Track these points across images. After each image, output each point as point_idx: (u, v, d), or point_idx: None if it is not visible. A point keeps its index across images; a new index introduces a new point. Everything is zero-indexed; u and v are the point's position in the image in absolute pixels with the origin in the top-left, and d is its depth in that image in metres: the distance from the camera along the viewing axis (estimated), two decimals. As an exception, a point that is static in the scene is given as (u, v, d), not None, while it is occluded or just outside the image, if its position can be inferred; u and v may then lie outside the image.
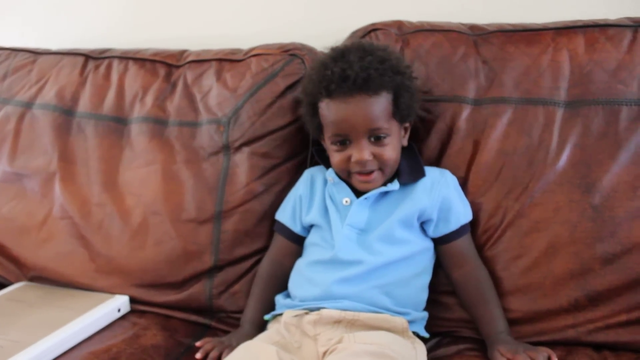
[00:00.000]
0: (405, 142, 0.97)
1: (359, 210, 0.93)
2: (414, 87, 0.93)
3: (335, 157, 0.92)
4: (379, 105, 0.89)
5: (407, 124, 0.96)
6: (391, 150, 0.91)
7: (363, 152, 0.89)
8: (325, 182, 0.99)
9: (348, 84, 0.87)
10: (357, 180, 0.93)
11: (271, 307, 0.97)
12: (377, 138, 0.90)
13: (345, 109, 0.88)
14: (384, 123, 0.89)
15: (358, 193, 0.95)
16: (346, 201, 0.94)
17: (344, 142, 0.91)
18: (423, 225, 0.94)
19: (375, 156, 0.90)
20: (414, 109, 0.95)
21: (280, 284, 0.99)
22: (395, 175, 0.95)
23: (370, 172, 0.91)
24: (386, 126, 0.90)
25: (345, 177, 0.94)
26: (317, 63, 0.94)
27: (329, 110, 0.90)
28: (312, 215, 0.97)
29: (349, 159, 0.90)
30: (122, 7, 1.38)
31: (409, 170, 0.95)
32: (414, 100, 0.93)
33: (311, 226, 0.99)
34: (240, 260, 1.04)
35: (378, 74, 0.88)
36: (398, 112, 0.91)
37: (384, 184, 0.94)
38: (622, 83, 0.93)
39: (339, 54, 0.91)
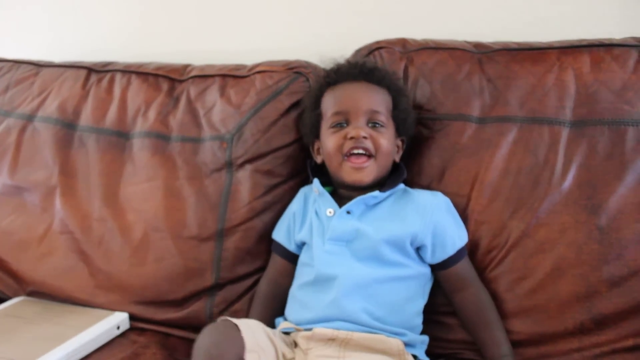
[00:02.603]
0: (397, 158, 0.98)
1: (341, 222, 0.91)
2: (410, 102, 0.99)
3: (331, 140, 0.92)
4: (381, 95, 0.95)
5: (402, 138, 0.98)
6: (386, 141, 0.92)
7: (360, 129, 0.90)
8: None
9: (356, 70, 0.97)
10: (348, 167, 0.91)
11: (271, 327, 0.95)
12: (374, 125, 0.92)
13: (350, 88, 0.95)
14: (383, 112, 0.94)
15: (342, 205, 0.93)
16: (329, 212, 0.92)
17: (342, 124, 0.93)
18: (419, 252, 0.92)
19: (372, 138, 0.91)
20: (411, 120, 0.97)
21: (279, 304, 0.98)
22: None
23: (364, 155, 0.90)
24: (385, 118, 0.94)
25: (337, 166, 0.92)
26: (323, 72, 1.03)
27: (334, 93, 0.96)
28: (303, 233, 0.95)
29: (344, 137, 0.91)
30: (125, 21, 1.38)
31: (393, 179, 0.95)
32: (410, 111, 0.97)
33: (304, 244, 0.97)
34: (242, 279, 1.03)
35: (381, 70, 0.98)
36: (396, 114, 0.96)
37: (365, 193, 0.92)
38: (628, 103, 0.92)
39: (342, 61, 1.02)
